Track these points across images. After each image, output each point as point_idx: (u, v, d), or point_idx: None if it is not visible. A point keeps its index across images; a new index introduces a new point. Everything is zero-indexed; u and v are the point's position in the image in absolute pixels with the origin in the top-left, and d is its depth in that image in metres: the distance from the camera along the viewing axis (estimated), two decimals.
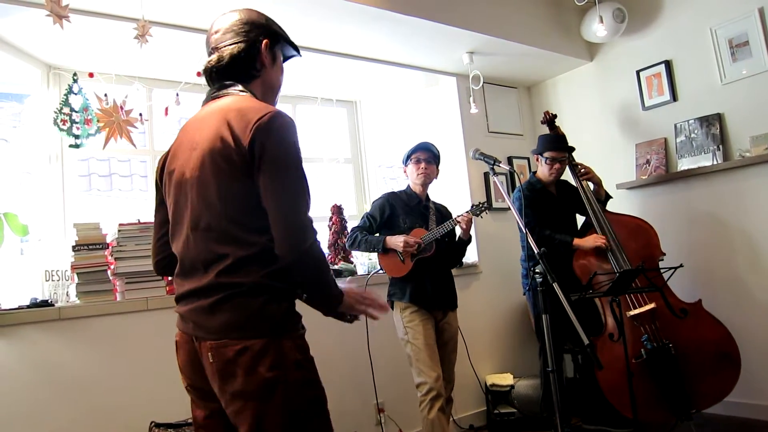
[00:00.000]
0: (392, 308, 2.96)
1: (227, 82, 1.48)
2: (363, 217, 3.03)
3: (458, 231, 3.02)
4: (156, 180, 1.61)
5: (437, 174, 3.09)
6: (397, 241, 2.83)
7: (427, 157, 3.02)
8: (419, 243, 2.83)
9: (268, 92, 1.56)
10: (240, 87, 1.48)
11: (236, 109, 1.37)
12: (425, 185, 3.05)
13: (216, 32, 1.52)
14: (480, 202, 2.98)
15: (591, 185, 3.42)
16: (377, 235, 2.96)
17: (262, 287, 1.32)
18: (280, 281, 1.34)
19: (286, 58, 1.63)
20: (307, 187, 1.37)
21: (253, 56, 1.50)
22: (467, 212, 2.92)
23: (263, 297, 1.31)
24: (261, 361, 1.27)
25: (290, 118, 1.39)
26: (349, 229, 3.44)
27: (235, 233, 1.33)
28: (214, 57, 1.49)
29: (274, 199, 1.31)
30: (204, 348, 1.33)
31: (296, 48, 1.62)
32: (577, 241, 3.22)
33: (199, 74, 3.00)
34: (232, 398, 1.30)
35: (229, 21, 1.52)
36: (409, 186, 3.11)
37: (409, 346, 2.79)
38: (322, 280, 1.39)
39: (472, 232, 3.92)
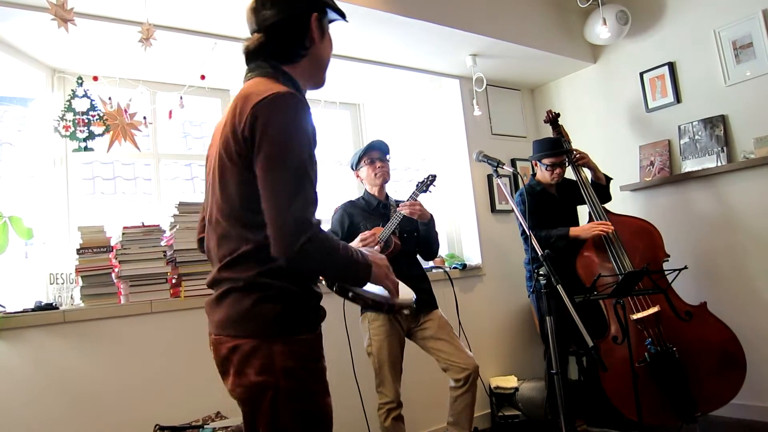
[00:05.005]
0: (360, 316, 2.83)
1: (258, 63, 1.36)
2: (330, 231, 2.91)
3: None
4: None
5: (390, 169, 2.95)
6: (353, 243, 2.67)
7: (380, 155, 2.88)
8: (379, 242, 2.68)
9: (317, 69, 1.44)
10: (266, 68, 1.35)
11: (244, 95, 1.27)
12: (384, 184, 2.91)
13: (259, 7, 1.36)
14: (425, 177, 2.80)
15: (588, 173, 3.44)
16: None
17: (256, 285, 1.25)
18: (279, 279, 1.25)
19: (330, 23, 1.47)
20: (310, 176, 1.22)
21: (302, 34, 1.36)
22: (411, 196, 2.75)
23: (255, 295, 1.25)
24: (249, 362, 1.22)
25: (299, 98, 1.26)
26: None
27: (236, 229, 1.29)
28: (256, 36, 1.36)
29: (266, 191, 1.20)
30: (210, 341, 1.35)
31: (341, 12, 1.46)
32: (573, 231, 3.20)
33: (203, 77, 3.01)
34: (230, 393, 1.30)
35: None
36: (366, 191, 2.95)
37: (372, 359, 2.72)
38: (333, 270, 1.28)
39: (475, 232, 3.95)
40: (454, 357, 2.69)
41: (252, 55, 1.38)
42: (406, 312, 1.44)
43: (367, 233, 2.71)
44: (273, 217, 1.19)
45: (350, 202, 2.97)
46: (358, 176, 2.97)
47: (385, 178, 2.89)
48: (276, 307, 1.24)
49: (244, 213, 1.27)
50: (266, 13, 1.34)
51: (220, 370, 1.31)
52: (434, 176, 2.82)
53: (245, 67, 1.42)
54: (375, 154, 2.88)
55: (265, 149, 1.20)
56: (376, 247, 2.65)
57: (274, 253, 1.20)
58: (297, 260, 1.19)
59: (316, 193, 1.24)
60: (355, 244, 2.69)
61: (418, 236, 2.87)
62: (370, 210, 2.89)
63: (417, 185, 2.79)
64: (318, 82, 1.47)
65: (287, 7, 1.34)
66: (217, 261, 1.33)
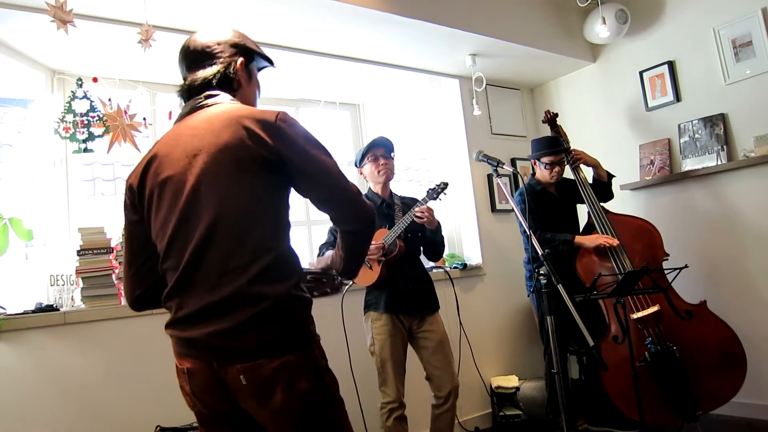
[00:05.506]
0: (363, 315, 2.83)
1: (213, 93, 1.44)
2: (328, 232, 2.86)
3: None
4: (129, 200, 1.45)
5: (394, 167, 2.95)
6: None
7: (384, 152, 2.87)
8: (382, 246, 2.68)
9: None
10: (230, 96, 1.45)
11: (246, 113, 1.34)
12: (387, 182, 2.89)
13: (190, 53, 1.51)
14: (437, 185, 2.79)
15: (589, 172, 3.43)
16: None
17: (290, 298, 1.28)
18: (302, 290, 1.33)
19: (259, 70, 1.62)
20: None
21: (230, 78, 1.48)
22: (421, 201, 2.74)
23: (293, 309, 1.29)
24: (300, 374, 1.26)
25: None
26: None
27: (257, 238, 1.27)
28: (189, 81, 1.48)
29: (329, 179, 1.37)
30: (232, 371, 1.24)
31: (269, 60, 1.61)
32: (578, 239, 3.20)
33: None
34: (272, 415, 1.26)
35: (202, 42, 1.50)
36: (369, 189, 2.94)
37: (375, 358, 2.71)
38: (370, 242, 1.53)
39: (476, 232, 3.96)
40: (440, 373, 2.72)
41: (190, 92, 1.47)
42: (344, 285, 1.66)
43: (372, 246, 2.67)
44: (347, 195, 1.38)
45: None
46: (361, 173, 2.96)
47: (389, 175, 2.87)
48: (308, 318, 1.34)
49: (273, 218, 1.33)
50: (197, 59, 1.49)
51: (258, 395, 1.24)
52: (446, 184, 2.80)
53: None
54: (379, 151, 2.88)
55: (311, 149, 1.35)
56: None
57: (352, 226, 1.42)
58: (371, 229, 1.46)
59: None
60: None
61: (422, 236, 2.85)
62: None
63: (428, 192, 2.78)
64: None
65: (215, 55, 1.48)
66: (227, 277, 1.24)
